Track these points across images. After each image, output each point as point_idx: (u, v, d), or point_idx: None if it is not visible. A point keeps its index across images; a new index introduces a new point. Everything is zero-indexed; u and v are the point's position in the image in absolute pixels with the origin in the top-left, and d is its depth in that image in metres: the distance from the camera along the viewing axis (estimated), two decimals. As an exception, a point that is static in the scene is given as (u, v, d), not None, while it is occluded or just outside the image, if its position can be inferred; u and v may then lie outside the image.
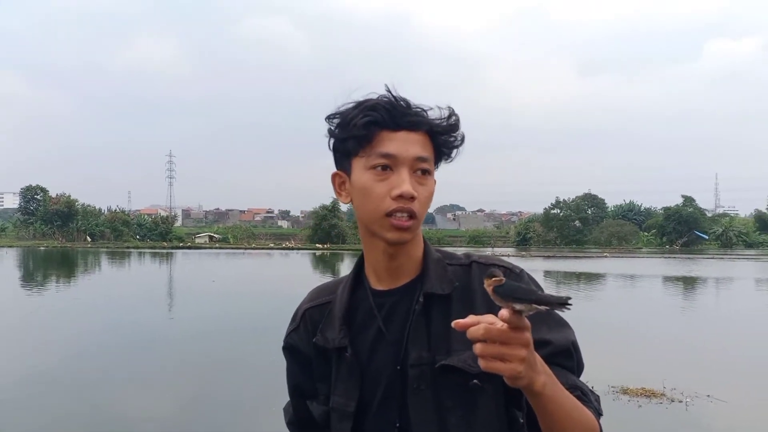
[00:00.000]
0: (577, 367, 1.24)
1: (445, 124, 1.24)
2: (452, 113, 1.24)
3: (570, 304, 0.92)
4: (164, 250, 57.51)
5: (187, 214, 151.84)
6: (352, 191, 1.24)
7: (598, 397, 1.23)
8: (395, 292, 1.27)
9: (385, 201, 1.18)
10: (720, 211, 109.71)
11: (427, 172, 1.21)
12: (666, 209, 79.42)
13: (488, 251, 57.64)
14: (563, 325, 1.24)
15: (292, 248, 61.47)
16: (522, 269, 1.28)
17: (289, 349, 1.38)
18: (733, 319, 14.43)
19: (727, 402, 6.84)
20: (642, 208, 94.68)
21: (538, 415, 1.08)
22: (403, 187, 1.16)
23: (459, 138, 1.26)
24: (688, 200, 79.64)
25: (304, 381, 1.35)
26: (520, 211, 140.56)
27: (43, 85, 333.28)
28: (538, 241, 75.99)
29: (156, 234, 79.88)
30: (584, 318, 13.97)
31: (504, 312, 0.94)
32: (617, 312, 15.45)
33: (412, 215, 1.18)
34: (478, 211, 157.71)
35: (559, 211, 78.66)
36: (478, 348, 0.95)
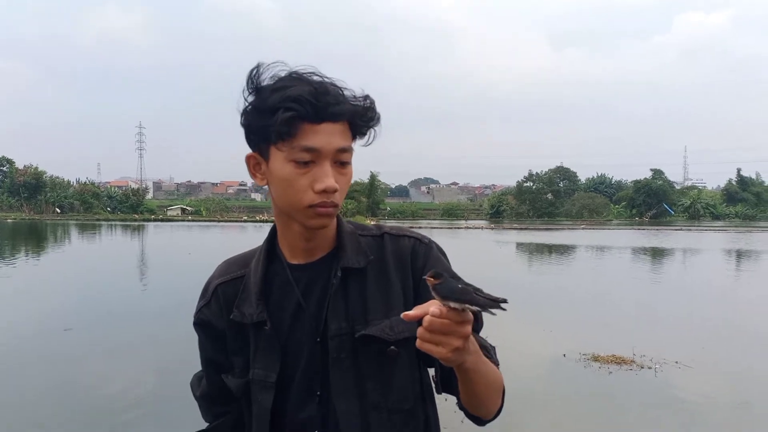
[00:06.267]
0: (481, 326, 1.30)
1: (363, 109, 1.22)
2: (367, 96, 1.23)
3: (502, 307, 0.98)
4: (135, 223, 56.72)
5: (158, 186, 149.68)
6: (270, 177, 1.22)
7: (495, 347, 1.31)
8: (311, 266, 1.28)
9: (307, 194, 1.17)
10: (689, 183, 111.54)
11: (347, 163, 1.21)
12: (636, 182, 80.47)
13: (462, 224, 57.97)
14: None
15: (266, 221, 60.96)
16: (431, 240, 1.34)
17: (200, 324, 1.37)
18: (700, 289, 14.78)
19: (694, 368, 7.04)
20: (613, 180, 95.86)
21: (460, 383, 1.18)
22: (326, 182, 1.16)
23: (375, 119, 1.25)
24: (658, 173, 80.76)
25: (217, 355, 1.35)
26: (493, 184, 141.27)
27: (6, 56, 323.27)
28: (511, 214, 76.59)
29: (127, 206, 78.64)
30: (556, 288, 14.20)
31: (437, 309, 0.99)
32: (588, 282, 15.70)
33: (334, 205, 1.19)
34: (451, 184, 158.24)
35: (531, 184, 79.24)
36: (419, 332, 1.01)
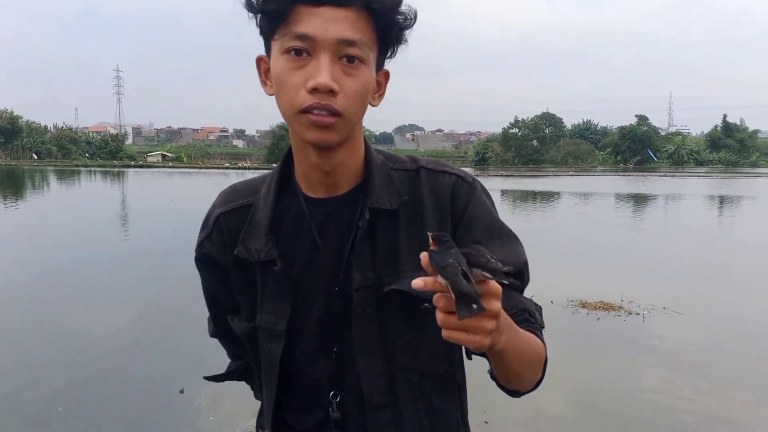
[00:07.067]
0: (526, 284, 1.14)
1: None
2: None
3: (474, 296, 0.78)
4: (115, 169, 55.90)
5: (137, 132, 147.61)
6: (273, 80, 1.02)
7: (540, 307, 1.14)
8: (332, 201, 1.10)
9: (299, 94, 0.97)
10: (673, 129, 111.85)
11: (357, 59, 0.97)
12: (621, 128, 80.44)
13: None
14: (514, 240, 1.12)
15: (248, 168, 60.32)
16: (475, 179, 1.14)
17: (202, 260, 1.19)
18: (687, 235, 14.81)
19: (683, 314, 6.99)
20: (598, 127, 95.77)
21: (492, 362, 1.02)
22: (318, 78, 0.94)
23: (409, 17, 1.02)
24: (643, 119, 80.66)
25: (221, 294, 1.20)
26: (479, 131, 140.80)
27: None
28: (496, 161, 76.44)
29: (106, 152, 77.35)
30: (542, 235, 14.15)
31: (421, 281, 0.82)
32: (573, 229, 15.68)
33: (333, 113, 0.97)
34: (436, 131, 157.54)
35: (517, 131, 78.81)
36: (439, 319, 0.83)
